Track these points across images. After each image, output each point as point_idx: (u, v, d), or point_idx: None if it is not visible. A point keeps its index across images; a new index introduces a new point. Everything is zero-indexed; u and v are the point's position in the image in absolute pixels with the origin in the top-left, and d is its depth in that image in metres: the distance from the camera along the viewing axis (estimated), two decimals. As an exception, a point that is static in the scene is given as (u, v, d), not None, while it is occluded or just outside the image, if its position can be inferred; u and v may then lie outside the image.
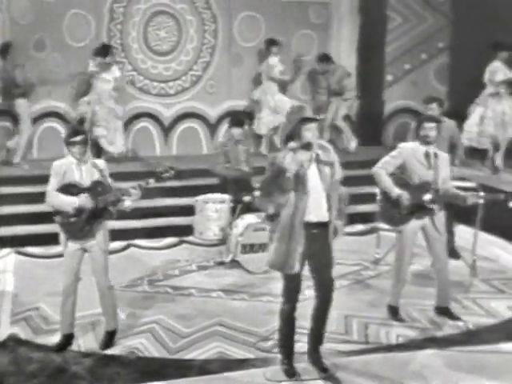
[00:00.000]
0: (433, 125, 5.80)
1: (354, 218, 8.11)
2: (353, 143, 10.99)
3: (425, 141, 5.80)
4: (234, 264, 7.44)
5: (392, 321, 6.03)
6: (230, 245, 7.42)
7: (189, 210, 8.32)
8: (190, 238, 8.36)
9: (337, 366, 5.18)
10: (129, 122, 10.58)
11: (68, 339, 5.64)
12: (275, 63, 10.50)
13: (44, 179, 9.15)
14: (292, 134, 4.84)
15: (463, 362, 5.27)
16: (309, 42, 11.29)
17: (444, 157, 5.89)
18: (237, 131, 8.09)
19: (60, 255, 7.82)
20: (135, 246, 8.27)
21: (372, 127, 11.68)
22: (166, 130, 10.90)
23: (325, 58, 10.91)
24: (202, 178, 9.42)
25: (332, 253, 5.01)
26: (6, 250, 8.03)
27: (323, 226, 4.90)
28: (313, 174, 4.81)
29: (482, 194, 5.95)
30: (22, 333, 5.87)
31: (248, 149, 8.27)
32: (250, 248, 7.29)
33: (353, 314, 6.13)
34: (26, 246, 8.14)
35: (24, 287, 6.95)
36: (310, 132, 4.80)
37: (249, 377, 5.10)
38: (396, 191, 5.78)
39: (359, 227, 8.87)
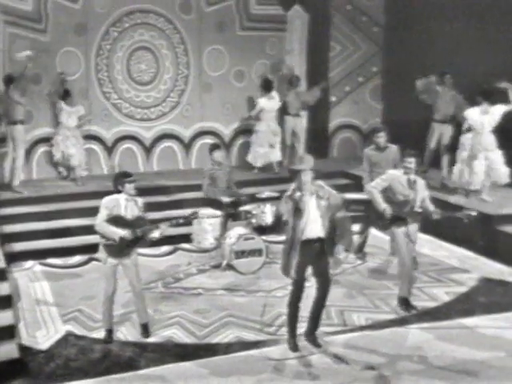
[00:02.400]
0: (413, 159, 7.54)
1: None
2: None
3: (406, 171, 7.56)
4: (227, 267, 9.12)
5: (400, 309, 7.71)
6: (224, 252, 9.13)
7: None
8: (183, 246, 10.06)
9: (326, 342, 6.98)
10: (115, 144, 12.21)
11: (110, 333, 7.20)
12: (260, 105, 12.24)
13: (52, 199, 10.75)
14: (292, 179, 6.68)
15: (422, 335, 7.14)
16: (265, 69, 12.96)
17: (421, 182, 7.63)
18: (218, 154, 9.63)
19: (78, 265, 9.52)
20: (139, 254, 9.80)
21: (319, 142, 13.51)
22: (148, 150, 12.55)
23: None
24: (186, 193, 11.14)
25: (328, 260, 6.74)
26: (31, 262, 9.39)
27: (320, 241, 6.67)
28: (312, 205, 6.58)
29: (441, 211, 7.66)
30: (76, 330, 7.37)
31: (229, 170, 9.81)
32: (241, 254, 8.99)
33: (331, 304, 7.65)
34: (46, 259, 9.47)
35: (59, 293, 8.41)
36: (304, 177, 6.55)
37: (265, 353, 6.78)
38: (382, 205, 7.54)
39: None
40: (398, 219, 7.59)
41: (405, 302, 7.80)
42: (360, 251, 9.64)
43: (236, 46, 12.77)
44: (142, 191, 10.96)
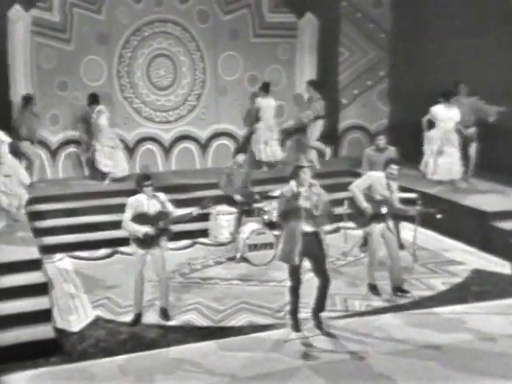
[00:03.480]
0: (397, 167, 8.29)
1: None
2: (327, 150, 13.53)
3: (390, 176, 8.32)
4: (241, 259, 9.89)
5: (372, 295, 8.51)
6: (239, 245, 9.89)
7: (197, 218, 10.69)
8: (200, 240, 10.84)
9: (330, 326, 7.70)
10: (136, 145, 13.03)
11: (139, 317, 7.97)
12: (258, 103, 13.03)
13: (79, 197, 11.50)
14: (292, 175, 7.40)
15: (414, 321, 7.84)
16: (277, 74, 13.71)
17: (395, 185, 8.42)
18: (241, 158, 10.44)
19: (103, 257, 10.27)
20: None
21: (330, 143, 14.16)
22: (167, 150, 13.35)
23: (314, 84, 13.31)
24: (203, 191, 11.86)
25: (324, 251, 7.47)
26: (60, 255, 10.20)
27: (314, 233, 7.41)
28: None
29: (417, 208, 8.61)
30: (104, 315, 8.16)
31: (247, 171, 10.54)
32: (254, 247, 9.75)
33: (335, 293, 8.47)
34: (74, 252, 10.27)
35: (87, 282, 9.20)
36: (304, 174, 7.30)
37: (273, 335, 7.53)
38: (364, 204, 8.28)
39: (327, 227, 11.34)
40: (377, 216, 8.31)
41: (373, 288, 8.59)
42: (364, 245, 10.33)
43: (249, 52, 13.51)
44: (161, 189, 11.76)
